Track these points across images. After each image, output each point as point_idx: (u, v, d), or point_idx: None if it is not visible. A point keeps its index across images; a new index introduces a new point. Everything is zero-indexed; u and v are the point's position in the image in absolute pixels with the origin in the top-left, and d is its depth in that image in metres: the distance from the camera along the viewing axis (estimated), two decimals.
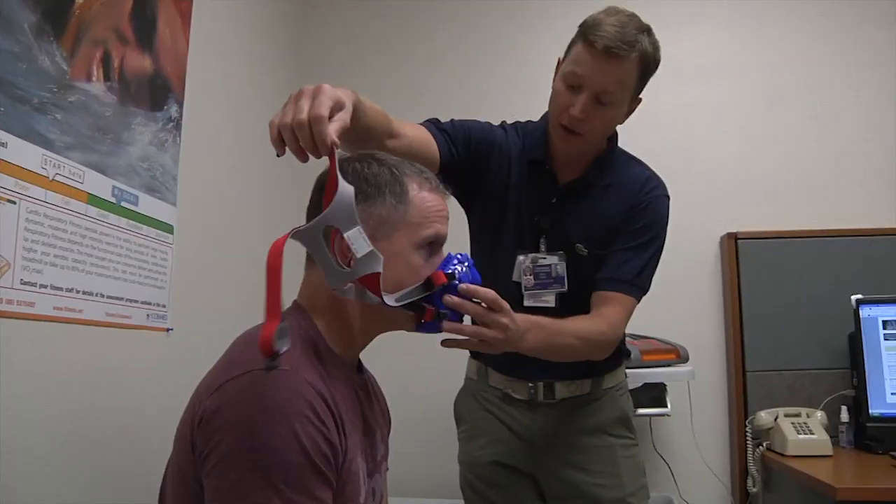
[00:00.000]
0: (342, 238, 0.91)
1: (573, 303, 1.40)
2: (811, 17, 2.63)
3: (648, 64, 1.35)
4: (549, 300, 1.44)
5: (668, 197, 1.48)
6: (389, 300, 0.97)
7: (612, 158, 1.48)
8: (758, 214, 2.52)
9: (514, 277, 1.45)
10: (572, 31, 1.37)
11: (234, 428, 0.84)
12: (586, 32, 1.30)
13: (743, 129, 2.61)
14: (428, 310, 1.03)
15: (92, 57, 1.33)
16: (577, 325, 1.33)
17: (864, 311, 2.16)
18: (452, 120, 1.43)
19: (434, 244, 1.04)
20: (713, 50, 2.66)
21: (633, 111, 1.42)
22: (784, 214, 2.51)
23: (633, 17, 1.33)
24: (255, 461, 0.82)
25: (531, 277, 1.44)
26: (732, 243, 2.46)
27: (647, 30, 1.33)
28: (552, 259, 1.44)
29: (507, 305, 1.09)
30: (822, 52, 2.61)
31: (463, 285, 1.04)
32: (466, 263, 1.07)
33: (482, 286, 1.06)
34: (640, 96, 1.41)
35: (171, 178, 1.61)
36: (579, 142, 1.39)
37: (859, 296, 2.18)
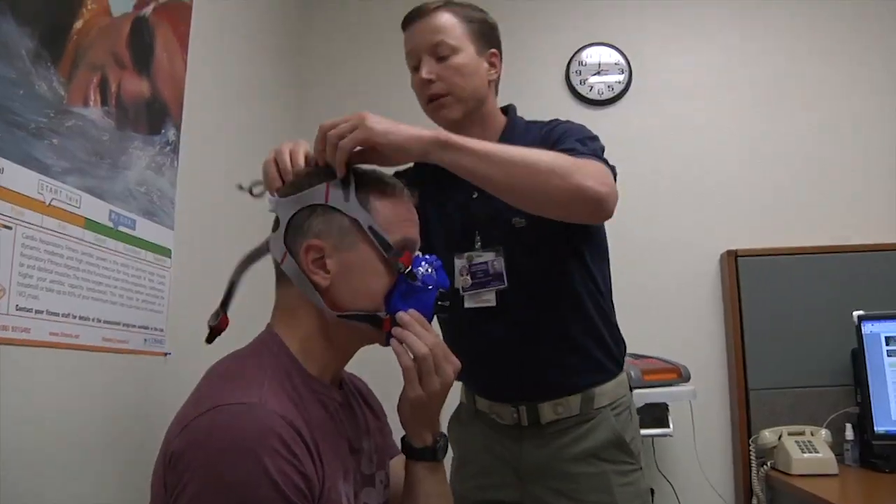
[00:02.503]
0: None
1: (514, 300, 1.36)
2: (810, 34, 2.65)
3: (466, 12, 1.41)
4: (490, 299, 1.38)
5: (589, 131, 1.40)
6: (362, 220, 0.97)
7: (513, 131, 1.44)
8: (758, 231, 2.52)
9: (456, 284, 1.40)
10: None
11: (202, 467, 0.82)
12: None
13: (742, 146, 2.62)
14: (385, 320, 1.00)
15: (89, 82, 1.33)
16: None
17: (867, 328, 2.15)
18: None
19: (404, 250, 1.01)
20: (711, 66, 2.67)
21: (494, 65, 1.45)
22: (784, 231, 2.51)
23: None
24: (224, 500, 0.80)
25: (468, 277, 1.39)
26: (732, 261, 2.45)
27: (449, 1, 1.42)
28: (488, 255, 1.39)
29: None
30: (821, 68, 2.64)
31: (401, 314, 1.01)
32: (433, 266, 1.04)
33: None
34: (494, 50, 1.45)
35: (169, 202, 1.61)
36: (449, 104, 1.39)
37: (861, 312, 2.17)
